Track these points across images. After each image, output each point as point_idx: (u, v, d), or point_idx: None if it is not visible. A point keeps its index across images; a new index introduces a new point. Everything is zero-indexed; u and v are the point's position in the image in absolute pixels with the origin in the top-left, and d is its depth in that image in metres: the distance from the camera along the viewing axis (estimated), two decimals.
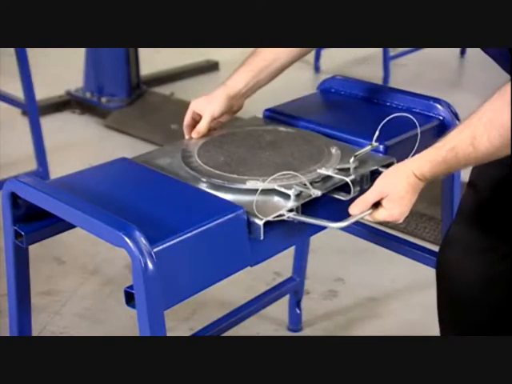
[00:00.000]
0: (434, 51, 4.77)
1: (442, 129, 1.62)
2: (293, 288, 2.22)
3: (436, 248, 1.70)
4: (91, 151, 3.65)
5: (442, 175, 1.32)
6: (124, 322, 2.12)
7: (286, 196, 1.31)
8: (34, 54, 3.10)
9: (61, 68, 4.70)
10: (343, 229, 1.32)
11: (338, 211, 1.34)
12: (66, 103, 4.17)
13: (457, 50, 5.12)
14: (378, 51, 4.54)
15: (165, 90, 4.41)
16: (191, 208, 1.27)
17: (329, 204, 1.36)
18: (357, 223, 1.64)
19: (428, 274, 1.77)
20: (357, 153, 1.42)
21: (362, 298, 2.45)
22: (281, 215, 1.27)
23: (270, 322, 2.30)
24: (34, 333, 1.53)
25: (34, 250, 1.38)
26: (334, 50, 4.47)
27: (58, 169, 2.93)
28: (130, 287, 1.14)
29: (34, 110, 3.01)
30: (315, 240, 1.93)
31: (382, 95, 1.74)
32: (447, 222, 1.74)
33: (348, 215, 1.31)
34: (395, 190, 1.29)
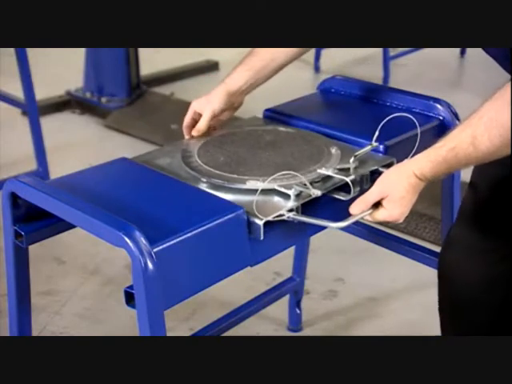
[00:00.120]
0: (434, 51, 4.77)
1: (442, 129, 1.62)
2: (293, 288, 2.22)
3: (436, 248, 1.70)
4: (91, 151, 3.65)
5: (443, 175, 1.31)
6: (124, 322, 2.12)
7: (286, 196, 1.31)
8: (34, 54, 3.10)
9: (61, 68, 4.70)
10: (343, 229, 1.32)
11: (338, 211, 1.34)
12: (66, 103, 4.17)
13: (457, 50, 5.12)
14: (377, 51, 4.54)
15: (165, 89, 4.41)
16: (191, 208, 1.27)
17: (329, 204, 1.36)
18: (357, 223, 1.64)
19: (428, 274, 1.78)
20: (357, 153, 1.42)
21: (362, 298, 2.45)
22: (281, 215, 1.27)
23: (270, 322, 2.30)
24: (34, 333, 1.53)
25: (34, 250, 1.38)
26: (333, 49, 4.47)
27: (58, 169, 2.93)
28: (130, 287, 1.14)
29: (34, 110, 3.01)
30: (315, 240, 1.93)
31: (382, 95, 1.74)
32: (447, 222, 1.74)
33: (348, 215, 1.31)
34: (396, 191, 1.29)
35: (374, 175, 1.40)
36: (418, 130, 1.48)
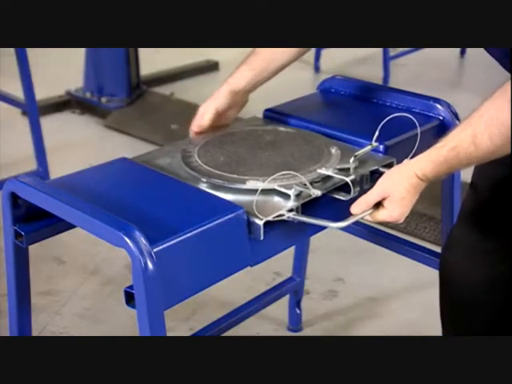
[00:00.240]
0: (434, 51, 4.77)
1: (442, 129, 1.62)
2: (293, 288, 2.22)
3: (436, 248, 1.70)
4: (91, 151, 3.65)
5: (444, 175, 1.31)
6: (124, 322, 2.12)
7: (286, 196, 1.31)
8: (34, 54, 3.10)
9: (61, 68, 4.70)
10: (343, 229, 1.32)
11: (338, 211, 1.34)
12: (66, 103, 4.17)
13: (457, 50, 5.12)
14: (377, 51, 4.54)
15: (165, 89, 4.41)
16: (191, 208, 1.27)
17: (329, 204, 1.36)
18: (357, 223, 1.64)
19: (428, 274, 1.78)
20: (357, 153, 1.42)
21: (362, 298, 2.45)
22: (281, 215, 1.27)
23: (270, 322, 2.30)
24: (34, 333, 1.53)
25: (34, 250, 1.38)
26: (333, 50, 4.47)
27: (58, 169, 2.93)
28: (130, 287, 1.14)
29: (34, 110, 3.01)
30: (315, 240, 1.93)
31: (382, 95, 1.74)
32: (447, 222, 1.74)
33: (348, 215, 1.31)
34: (397, 191, 1.29)
35: (374, 175, 1.40)
36: (418, 130, 1.48)
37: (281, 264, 2.37)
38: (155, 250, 1.12)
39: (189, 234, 1.18)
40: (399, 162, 1.36)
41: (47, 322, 2.31)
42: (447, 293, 1.55)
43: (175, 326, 2.26)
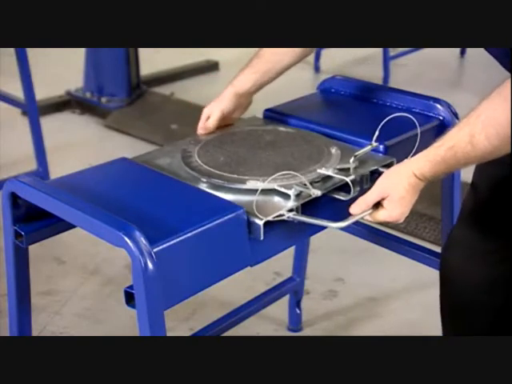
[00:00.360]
0: (434, 51, 4.77)
1: (442, 129, 1.62)
2: (293, 288, 2.22)
3: (436, 248, 1.70)
4: (91, 151, 3.65)
5: (443, 174, 1.31)
6: (124, 322, 2.12)
7: (286, 196, 1.31)
8: (34, 54, 3.10)
9: (61, 68, 4.70)
10: (343, 229, 1.32)
11: (338, 211, 1.34)
12: (66, 103, 4.17)
13: (457, 50, 5.12)
14: (378, 51, 4.54)
15: (165, 89, 4.41)
16: (191, 208, 1.27)
17: (329, 204, 1.36)
18: (357, 223, 1.64)
19: (428, 274, 1.78)
20: (357, 153, 1.42)
21: (362, 298, 2.45)
22: (281, 215, 1.27)
23: (270, 322, 2.30)
24: (34, 333, 1.53)
25: (34, 250, 1.38)
26: (334, 50, 4.47)
27: (58, 169, 2.93)
28: (130, 287, 1.14)
29: (34, 110, 3.01)
30: (315, 240, 1.93)
31: (382, 95, 1.74)
32: (447, 222, 1.74)
33: (348, 215, 1.31)
34: (396, 191, 1.29)
35: (374, 175, 1.40)
36: (418, 130, 1.48)
37: (281, 264, 2.37)
38: (155, 250, 1.12)
39: (189, 234, 1.18)
40: (399, 162, 1.36)
41: (47, 322, 2.31)
42: (447, 293, 1.55)
43: (175, 326, 2.26)
